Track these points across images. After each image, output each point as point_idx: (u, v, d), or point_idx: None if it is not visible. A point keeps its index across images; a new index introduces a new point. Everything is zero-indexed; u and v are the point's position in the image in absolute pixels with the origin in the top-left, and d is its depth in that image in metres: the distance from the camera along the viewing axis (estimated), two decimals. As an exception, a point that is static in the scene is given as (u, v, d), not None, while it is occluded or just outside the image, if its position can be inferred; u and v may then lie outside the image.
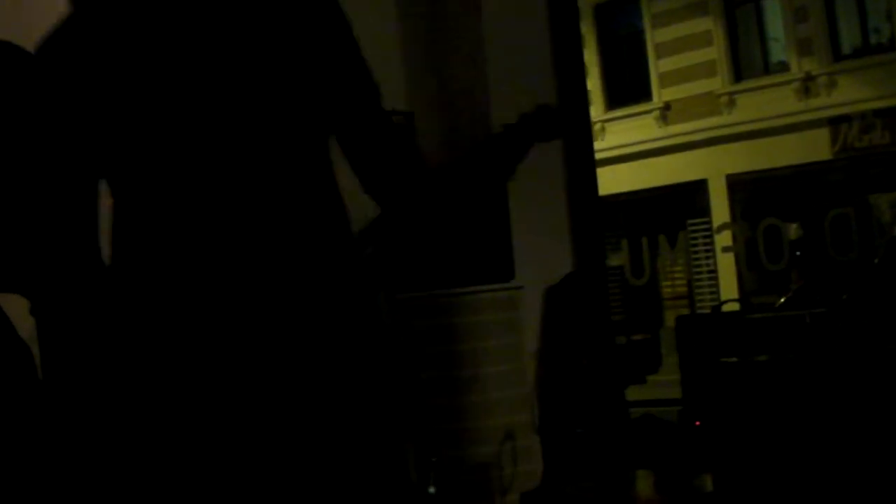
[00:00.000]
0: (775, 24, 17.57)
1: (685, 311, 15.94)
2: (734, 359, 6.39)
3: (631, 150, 17.94)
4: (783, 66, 17.44)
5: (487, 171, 2.21)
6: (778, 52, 17.67)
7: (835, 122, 16.59)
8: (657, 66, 18.41)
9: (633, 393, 7.18)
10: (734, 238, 17.26)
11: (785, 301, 11.19)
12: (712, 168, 17.56)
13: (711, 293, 17.46)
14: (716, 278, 17.67)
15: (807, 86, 16.92)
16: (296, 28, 1.97)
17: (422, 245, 5.52)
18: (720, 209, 17.63)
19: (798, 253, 15.97)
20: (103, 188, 2.02)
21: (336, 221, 2.00)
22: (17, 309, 2.16)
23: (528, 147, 2.24)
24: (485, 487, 5.36)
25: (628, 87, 18.58)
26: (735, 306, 12.42)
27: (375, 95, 2.12)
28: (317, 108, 1.99)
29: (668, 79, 18.23)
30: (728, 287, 17.11)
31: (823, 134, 16.63)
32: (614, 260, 16.55)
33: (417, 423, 5.26)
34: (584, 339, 6.03)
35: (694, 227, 18.01)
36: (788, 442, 5.78)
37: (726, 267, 17.45)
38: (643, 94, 18.55)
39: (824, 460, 5.43)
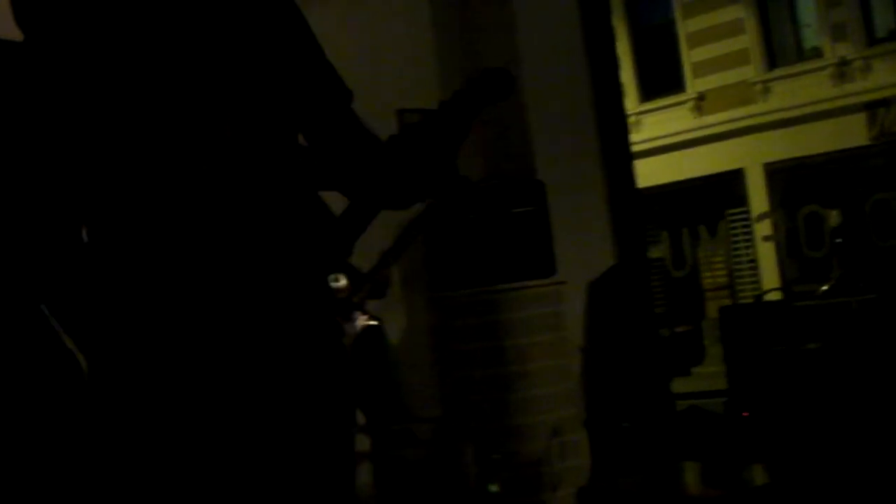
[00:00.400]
0: (808, 10, 17.45)
1: (726, 302, 15.84)
2: (782, 348, 6.34)
3: (667, 142, 17.84)
4: (817, 52, 17.31)
5: (442, 139, 2.23)
6: (811, 38, 17.54)
7: (871, 107, 16.44)
8: (690, 57, 18.32)
9: (677, 385, 7.16)
10: (774, 227, 17.19)
11: (828, 289, 11.09)
12: (749, 157, 17.45)
13: (752, 283, 17.36)
14: (756, 268, 17.56)
15: (842, 71, 16.78)
16: (261, 35, 1.99)
17: (464, 245, 5.53)
18: (758, 198, 17.52)
19: (838, 240, 15.86)
20: None
21: (298, 220, 2.02)
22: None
23: (480, 110, 2.26)
24: (534, 483, 5.35)
25: (661, 79, 18.49)
26: (777, 295, 12.33)
27: (346, 99, 2.16)
28: (286, 113, 2.01)
29: (701, 69, 18.13)
30: (769, 276, 17.01)
31: (860, 119, 16.49)
32: (655, 252, 16.52)
33: (473, 422, 5.26)
34: (628, 333, 6.01)
35: (733, 217, 17.91)
36: (839, 429, 5.74)
37: (766, 256, 17.35)
38: (677, 85, 18.46)
39: (877, 447, 5.39)
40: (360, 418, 4.48)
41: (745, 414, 6.32)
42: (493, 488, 4.80)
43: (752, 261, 17.67)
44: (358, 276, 4.27)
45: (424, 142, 2.09)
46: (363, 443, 4.51)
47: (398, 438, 4.54)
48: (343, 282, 4.19)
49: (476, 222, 5.56)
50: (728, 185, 17.79)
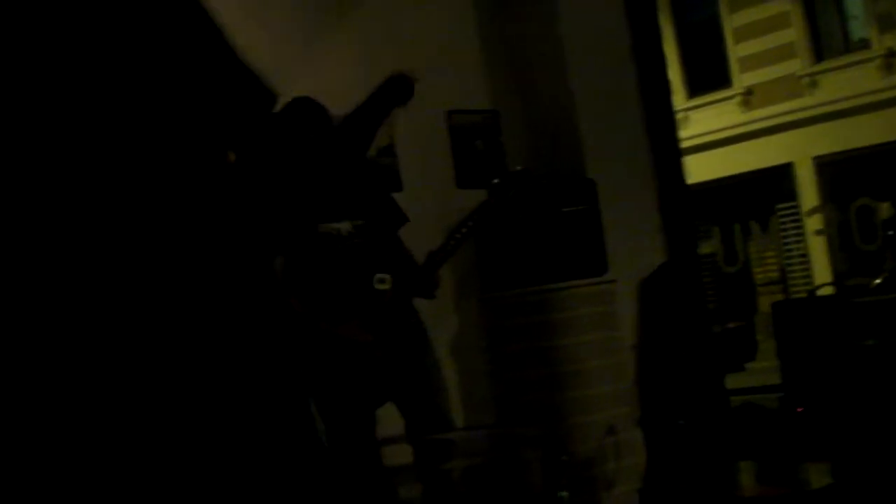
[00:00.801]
0: (854, 1, 17.28)
1: (778, 297, 15.72)
2: (839, 343, 6.30)
3: (715, 138, 17.74)
4: (864, 44, 17.13)
5: (356, 142, 2.36)
6: (858, 30, 17.36)
7: (920, 98, 16.29)
8: (736, 51, 18.20)
9: (730, 381, 7.12)
10: (826, 220, 17.04)
11: (881, 282, 10.98)
12: (798, 151, 17.31)
13: (804, 277, 17.22)
14: (808, 262, 17.41)
15: (889, 62, 16.61)
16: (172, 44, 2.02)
17: (516, 245, 5.54)
18: (808, 192, 17.37)
19: (890, 232, 15.69)
20: None
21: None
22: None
23: (387, 114, 2.46)
24: (589, 483, 5.34)
25: (708, 74, 18.38)
26: (829, 290, 12.22)
27: (266, 102, 2.20)
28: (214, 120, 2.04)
29: (747, 63, 18.01)
30: (821, 270, 16.86)
31: (909, 110, 16.33)
32: (706, 248, 16.42)
33: (535, 428, 5.22)
34: (680, 330, 5.99)
35: (783, 212, 17.77)
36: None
37: (818, 250, 17.20)
38: (723, 81, 18.34)
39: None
40: (399, 426, 4.39)
41: (799, 409, 6.28)
42: (564, 494, 4.63)
43: (804, 255, 17.52)
44: (409, 273, 4.28)
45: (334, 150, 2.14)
46: (403, 453, 4.42)
47: (437, 449, 4.39)
48: (388, 283, 4.21)
49: (527, 222, 5.56)
50: (778, 180, 17.65)
